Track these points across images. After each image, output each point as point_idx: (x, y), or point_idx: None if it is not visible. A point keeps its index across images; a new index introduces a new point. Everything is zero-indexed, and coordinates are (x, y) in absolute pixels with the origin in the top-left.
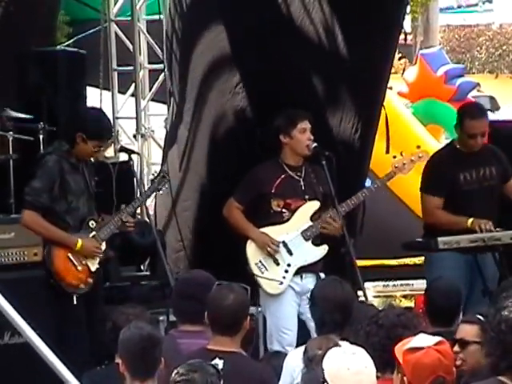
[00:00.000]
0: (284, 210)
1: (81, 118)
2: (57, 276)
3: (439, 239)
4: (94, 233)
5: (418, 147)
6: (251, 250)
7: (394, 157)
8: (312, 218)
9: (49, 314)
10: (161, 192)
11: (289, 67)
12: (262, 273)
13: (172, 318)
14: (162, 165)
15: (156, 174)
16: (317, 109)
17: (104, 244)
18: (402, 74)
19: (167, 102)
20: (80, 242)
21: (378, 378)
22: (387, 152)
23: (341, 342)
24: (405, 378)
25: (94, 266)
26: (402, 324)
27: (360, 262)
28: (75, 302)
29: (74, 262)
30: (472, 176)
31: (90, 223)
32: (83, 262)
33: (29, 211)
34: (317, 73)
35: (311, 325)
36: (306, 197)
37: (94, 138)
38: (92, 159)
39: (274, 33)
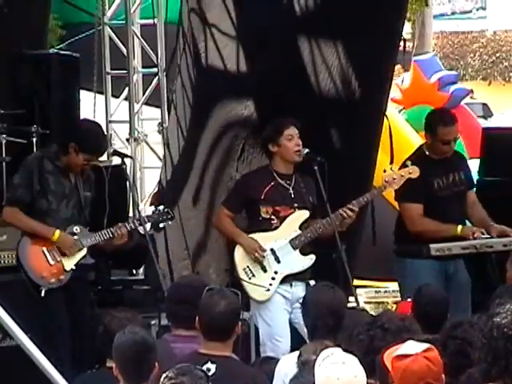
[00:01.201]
0: (273, 217)
1: (79, 129)
2: (27, 266)
3: (431, 246)
4: (76, 237)
5: (408, 163)
6: (239, 255)
7: (385, 171)
8: (301, 227)
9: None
10: (161, 225)
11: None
12: (249, 278)
13: (164, 321)
14: (158, 201)
15: (162, 209)
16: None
17: (85, 250)
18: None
19: (161, 106)
20: (58, 232)
21: None
22: (391, 163)
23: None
24: None
25: (68, 265)
26: (407, 328)
27: (359, 282)
28: (43, 295)
29: (48, 256)
30: (443, 182)
31: (74, 229)
32: (58, 258)
33: (7, 207)
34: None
35: (304, 331)
36: (295, 205)
37: (86, 152)
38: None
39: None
